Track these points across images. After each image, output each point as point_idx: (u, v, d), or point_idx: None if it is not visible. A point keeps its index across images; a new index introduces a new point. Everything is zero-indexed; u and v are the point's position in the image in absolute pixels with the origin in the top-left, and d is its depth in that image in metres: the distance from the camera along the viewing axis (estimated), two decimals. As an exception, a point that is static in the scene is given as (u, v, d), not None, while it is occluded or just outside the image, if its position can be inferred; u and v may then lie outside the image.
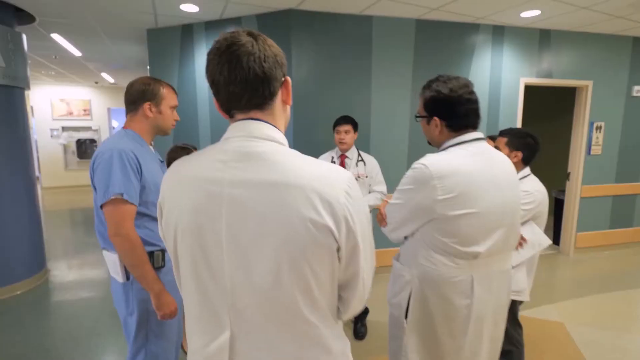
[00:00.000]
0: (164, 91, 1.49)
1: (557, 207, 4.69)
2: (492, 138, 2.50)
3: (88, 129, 8.76)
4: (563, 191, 4.59)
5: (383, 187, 2.62)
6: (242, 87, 0.70)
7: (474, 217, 1.14)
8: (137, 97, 1.44)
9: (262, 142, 0.70)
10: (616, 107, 4.27)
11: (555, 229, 4.70)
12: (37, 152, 8.22)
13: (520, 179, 1.86)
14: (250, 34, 0.73)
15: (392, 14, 3.35)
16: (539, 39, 3.84)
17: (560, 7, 3.13)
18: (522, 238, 1.79)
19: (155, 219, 1.44)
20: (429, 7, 3.16)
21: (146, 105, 1.45)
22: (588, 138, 4.21)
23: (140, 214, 1.38)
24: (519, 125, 3.98)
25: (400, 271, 1.29)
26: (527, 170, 1.89)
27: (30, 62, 5.63)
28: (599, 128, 4.25)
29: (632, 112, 4.36)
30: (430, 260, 1.19)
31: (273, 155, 0.69)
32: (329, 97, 3.37)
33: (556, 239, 4.63)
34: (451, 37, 3.60)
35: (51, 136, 8.47)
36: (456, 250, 1.16)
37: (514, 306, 1.86)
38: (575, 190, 4.30)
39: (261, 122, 0.73)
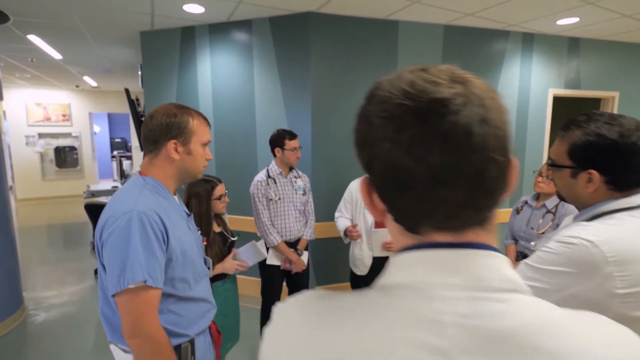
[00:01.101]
0: (194, 124, 1.11)
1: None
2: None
3: (67, 135, 8.12)
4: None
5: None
6: (468, 190, 0.35)
7: None
8: (159, 134, 1.06)
9: (504, 300, 0.35)
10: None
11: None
12: (11, 159, 7.54)
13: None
14: (454, 78, 0.38)
15: (420, 19, 3.04)
16: (568, 48, 3.62)
17: (602, 14, 2.89)
18: None
19: (183, 299, 1.06)
20: (462, 12, 2.86)
21: (171, 144, 1.07)
22: (613, 151, 4.01)
23: (164, 295, 1.00)
24: (546, 141, 3.75)
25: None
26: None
27: (2, 65, 5.05)
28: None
29: (655, 124, 4.20)
30: None
31: (535, 332, 0.33)
32: (351, 107, 3.02)
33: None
34: (480, 44, 3.33)
35: (26, 143, 7.80)
36: None
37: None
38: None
39: (489, 253, 0.38)
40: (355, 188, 2.32)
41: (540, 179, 2.18)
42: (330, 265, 3.12)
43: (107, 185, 5.59)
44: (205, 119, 1.16)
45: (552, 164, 0.99)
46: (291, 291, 2.47)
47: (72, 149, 8.17)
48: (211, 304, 1.20)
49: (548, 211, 2.15)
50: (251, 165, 3.16)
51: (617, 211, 0.88)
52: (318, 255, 3.04)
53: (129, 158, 9.18)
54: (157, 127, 1.06)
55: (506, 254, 2.37)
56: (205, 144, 1.15)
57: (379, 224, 2.23)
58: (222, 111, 3.20)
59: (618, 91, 3.90)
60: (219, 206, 1.94)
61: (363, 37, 2.97)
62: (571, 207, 2.13)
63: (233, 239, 2.01)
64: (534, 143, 3.71)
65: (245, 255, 2.00)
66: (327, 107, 2.96)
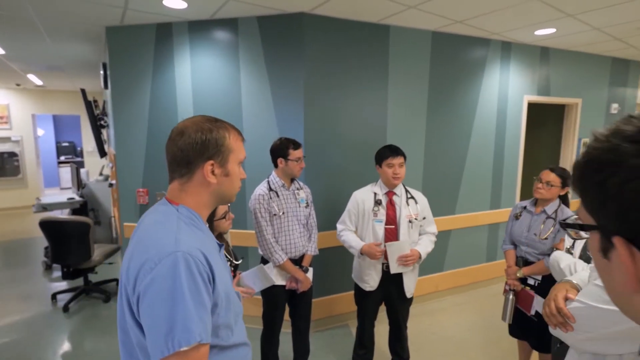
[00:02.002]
0: (231, 139, 0.94)
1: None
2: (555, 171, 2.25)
3: (6, 140, 7.20)
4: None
5: (434, 228, 2.25)
6: None
7: None
8: (193, 154, 0.88)
9: None
10: (598, 124, 4.45)
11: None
12: None
13: None
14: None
15: (410, 25, 3.02)
16: (540, 57, 3.81)
17: (577, 26, 3.06)
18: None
19: (226, 348, 0.89)
20: (453, 20, 2.88)
21: (208, 165, 0.89)
22: (577, 153, 4.31)
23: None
24: (522, 144, 3.92)
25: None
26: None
27: None
28: (585, 144, 4.38)
29: (610, 128, 4.58)
30: None
31: None
32: (344, 111, 2.93)
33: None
34: (465, 51, 3.39)
35: (-46, 149, 6.80)
36: None
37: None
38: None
39: None
40: (361, 198, 2.21)
41: (540, 185, 2.23)
42: (329, 277, 3.00)
43: (59, 196, 4.99)
44: (239, 132, 0.99)
45: None
46: (293, 312, 2.32)
47: (12, 155, 7.25)
48: (249, 345, 1.04)
49: (548, 217, 2.20)
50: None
51: None
52: (315, 267, 2.90)
53: (81, 164, 8.34)
54: (190, 145, 0.88)
55: (505, 259, 2.39)
56: (240, 162, 0.99)
57: (389, 237, 2.15)
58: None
59: (581, 98, 4.19)
60: (224, 225, 1.74)
61: (356, 40, 2.88)
62: (570, 213, 2.20)
63: (237, 262, 1.82)
64: (512, 147, 3.87)
65: (250, 281, 1.82)
66: (321, 113, 2.84)
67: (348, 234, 2.20)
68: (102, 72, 3.63)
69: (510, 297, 2.31)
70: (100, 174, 5.04)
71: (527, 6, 2.56)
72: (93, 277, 3.77)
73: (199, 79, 2.91)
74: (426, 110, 3.29)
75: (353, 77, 2.92)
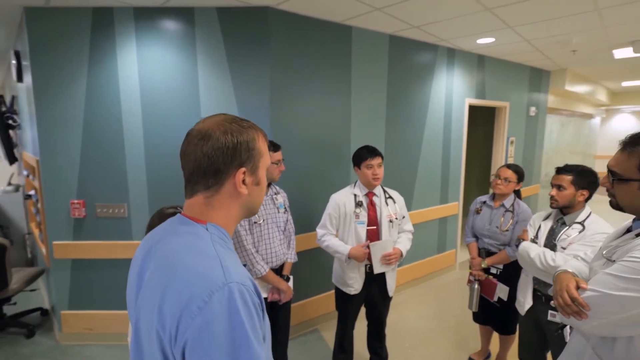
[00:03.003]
0: (260, 141, 0.81)
1: (479, 212, 5.27)
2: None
3: None
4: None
5: (411, 226, 2.31)
6: None
7: None
8: (222, 161, 0.74)
9: None
10: (521, 124, 5.05)
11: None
12: None
13: (585, 219, 1.82)
14: None
15: (370, 27, 3.06)
16: (477, 63, 4.18)
17: (513, 37, 3.42)
18: None
19: None
20: (410, 24, 3.00)
21: (239, 174, 0.76)
22: (506, 151, 4.84)
23: None
24: (464, 143, 4.26)
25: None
26: (588, 209, 1.87)
27: None
28: (512, 142, 4.94)
29: (529, 129, 5.24)
30: None
31: None
32: (311, 111, 2.86)
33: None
34: (418, 55, 3.56)
35: None
36: None
37: None
38: (500, 197, 4.89)
39: None
40: (342, 201, 2.17)
41: (499, 181, 2.42)
42: (305, 280, 2.90)
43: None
44: (265, 133, 0.87)
45: (620, 178, 1.06)
46: (272, 324, 2.18)
47: None
48: None
49: (507, 210, 2.41)
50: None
51: None
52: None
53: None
54: (219, 151, 0.73)
55: (469, 251, 2.55)
56: (269, 166, 0.86)
57: (371, 238, 2.14)
58: (155, 115, 2.62)
59: (509, 101, 4.70)
60: None
61: (321, 39, 2.83)
62: (525, 206, 2.43)
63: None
64: (456, 146, 4.18)
65: None
66: (288, 112, 2.72)
67: (331, 239, 2.14)
68: (14, 61, 3.01)
69: (476, 286, 2.47)
70: (9, 184, 4.21)
71: (478, 16, 2.77)
72: (10, 309, 3.13)
73: (147, 73, 2.58)
74: (385, 111, 3.38)
75: (319, 77, 2.86)
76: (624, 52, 4.09)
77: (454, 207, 4.27)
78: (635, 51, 3.64)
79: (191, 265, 0.66)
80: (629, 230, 1.14)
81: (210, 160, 0.73)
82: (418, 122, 3.70)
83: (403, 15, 2.75)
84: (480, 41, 3.56)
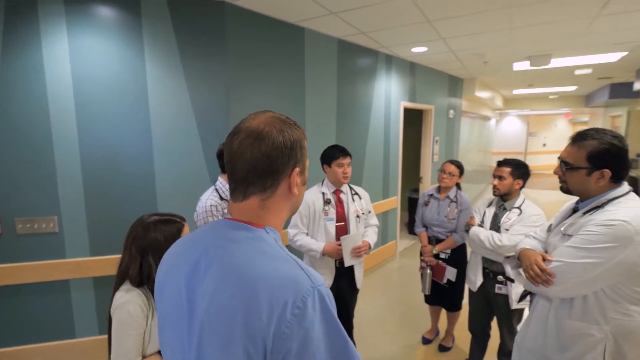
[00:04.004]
0: (304, 140, 0.82)
1: (410, 205, 5.79)
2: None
3: None
4: (415, 190, 5.72)
5: (376, 220, 2.45)
6: None
7: None
8: (282, 162, 0.73)
9: None
10: (443, 126, 5.69)
11: (410, 223, 5.80)
12: None
13: (521, 204, 2.17)
14: None
15: (322, 30, 3.15)
16: (409, 70, 4.59)
17: (442, 47, 3.84)
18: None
19: None
20: (359, 30, 3.16)
21: (295, 173, 0.76)
22: (432, 149, 5.40)
23: None
24: (400, 143, 4.64)
25: (586, 330, 1.25)
26: (523, 195, 2.22)
27: None
28: (437, 141, 5.53)
29: (449, 129, 5.93)
30: (625, 313, 1.21)
31: None
32: (267, 108, 2.82)
33: (411, 231, 5.71)
34: (362, 60, 3.76)
35: None
36: None
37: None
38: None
39: None
40: (311, 199, 2.20)
41: (444, 175, 2.72)
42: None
43: None
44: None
45: (571, 167, 1.31)
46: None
47: None
48: None
49: (452, 201, 2.72)
50: (145, 187, 2.45)
51: (616, 198, 1.26)
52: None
53: None
54: (279, 150, 0.71)
55: (420, 240, 2.81)
56: None
57: (340, 234, 2.22)
58: (94, 114, 2.31)
59: (433, 105, 5.25)
60: None
61: (277, 39, 2.82)
62: (466, 196, 2.77)
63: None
64: (394, 145, 4.53)
65: None
66: (246, 110, 2.64)
67: (304, 238, 2.16)
68: None
69: (428, 272, 2.73)
70: None
71: (419, 27, 3.06)
72: None
73: (83, 66, 2.26)
74: (336, 112, 3.51)
75: (275, 77, 2.84)
76: (521, 65, 4.90)
77: (394, 201, 4.62)
78: (531, 64, 4.40)
79: (271, 272, 0.63)
80: (575, 210, 1.41)
81: (269, 160, 0.70)
82: (363, 123, 3.91)
83: (355, 20, 2.89)
84: (415, 50, 3.92)
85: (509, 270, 2.15)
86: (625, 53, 4.31)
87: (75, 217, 2.35)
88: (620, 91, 6.87)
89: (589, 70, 5.40)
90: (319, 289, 0.62)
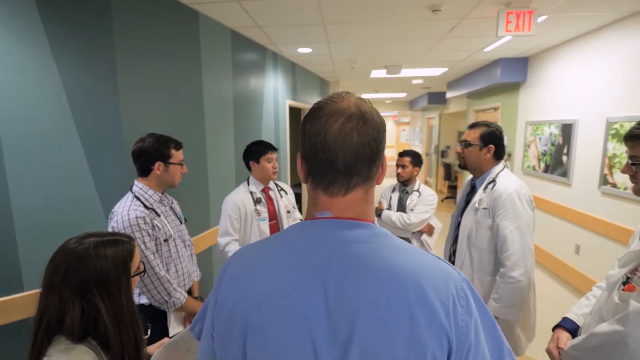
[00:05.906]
0: None
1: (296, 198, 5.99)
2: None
3: None
4: (298, 185, 5.96)
5: (299, 214, 2.45)
6: None
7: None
8: (382, 147, 0.66)
9: None
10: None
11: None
12: None
13: (419, 187, 2.58)
14: None
15: (215, 17, 2.89)
16: (291, 69, 4.72)
17: (324, 50, 4.12)
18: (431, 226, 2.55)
19: None
20: (256, 23, 3.06)
21: (385, 158, 0.71)
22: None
23: None
24: (288, 138, 4.73)
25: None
26: (419, 180, 2.64)
27: None
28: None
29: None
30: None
31: None
32: (164, 105, 2.42)
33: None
34: (253, 54, 3.64)
35: None
36: None
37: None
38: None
39: None
40: (240, 201, 2.02)
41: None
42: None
43: None
44: None
45: (469, 144, 1.68)
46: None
47: None
48: None
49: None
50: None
51: (502, 171, 1.68)
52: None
53: None
54: (381, 134, 0.64)
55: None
56: None
57: (274, 231, 2.12)
58: None
59: (309, 105, 5.57)
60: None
61: (170, 24, 2.42)
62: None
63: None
64: (283, 143, 4.58)
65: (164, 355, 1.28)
66: (141, 105, 2.19)
67: (236, 247, 1.96)
68: None
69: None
70: None
71: (313, 28, 3.19)
72: None
73: None
74: (232, 106, 3.29)
75: (169, 66, 2.45)
76: (378, 73, 5.74)
77: (286, 198, 4.68)
78: (387, 73, 5.21)
79: (423, 266, 0.57)
80: (473, 187, 1.79)
81: (377, 144, 0.62)
82: (257, 119, 3.81)
83: (255, 11, 2.78)
84: (301, 50, 4.06)
85: (415, 244, 2.54)
86: (446, 69, 5.62)
87: None
88: (435, 98, 8.90)
89: (421, 81, 6.79)
90: (464, 276, 0.61)
